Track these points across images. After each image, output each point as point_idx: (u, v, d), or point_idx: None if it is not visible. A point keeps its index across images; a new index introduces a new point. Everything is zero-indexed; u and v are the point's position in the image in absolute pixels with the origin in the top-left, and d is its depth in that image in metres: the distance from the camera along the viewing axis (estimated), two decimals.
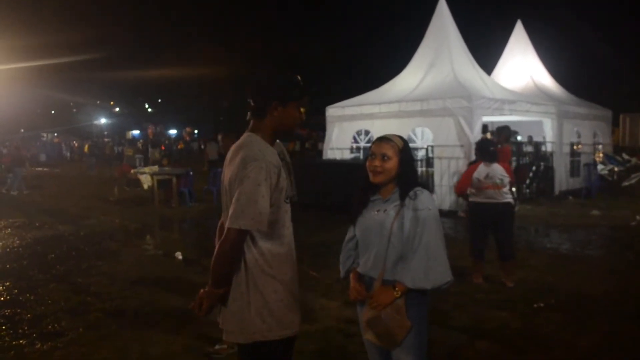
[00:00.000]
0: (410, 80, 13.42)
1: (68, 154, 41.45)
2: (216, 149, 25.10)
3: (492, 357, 4.09)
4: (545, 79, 16.26)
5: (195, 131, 50.09)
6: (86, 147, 36.05)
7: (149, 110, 60.37)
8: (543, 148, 13.70)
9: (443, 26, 13.53)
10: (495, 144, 8.52)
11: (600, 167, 14.49)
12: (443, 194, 11.17)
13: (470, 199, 6.05)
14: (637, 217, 9.99)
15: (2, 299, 5.66)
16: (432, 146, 11.95)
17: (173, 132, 52.31)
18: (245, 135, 2.28)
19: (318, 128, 24.83)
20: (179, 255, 7.43)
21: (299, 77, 2.31)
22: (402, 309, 2.51)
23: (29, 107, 45.93)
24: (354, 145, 14.00)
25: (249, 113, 2.31)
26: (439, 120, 11.56)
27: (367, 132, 13.66)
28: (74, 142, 44.01)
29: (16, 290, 5.93)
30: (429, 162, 11.91)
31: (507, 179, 5.77)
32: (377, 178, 2.63)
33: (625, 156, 14.68)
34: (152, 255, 7.82)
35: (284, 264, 2.24)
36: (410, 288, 2.49)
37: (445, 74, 12.68)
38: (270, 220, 2.14)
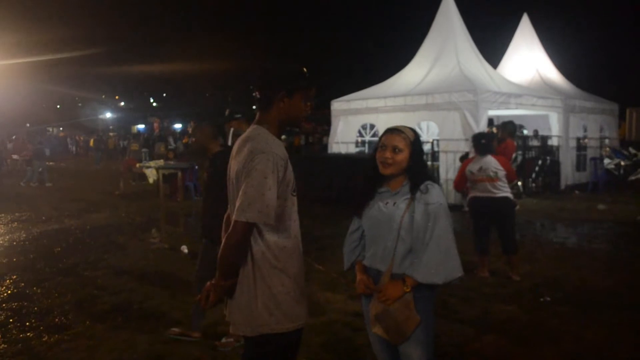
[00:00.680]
0: (416, 73, 13.37)
1: (74, 148, 41.55)
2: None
3: (499, 350, 4.08)
4: (552, 73, 16.16)
5: None
6: (91, 141, 36.13)
7: (154, 104, 60.44)
8: (549, 142, 13.64)
9: (449, 19, 13.47)
10: (499, 139, 8.47)
11: (606, 161, 14.41)
12: (448, 188, 11.12)
13: (469, 194, 6.03)
14: None
15: (9, 292, 5.69)
16: (437, 140, 11.92)
17: (178, 126, 52.36)
18: (252, 128, 2.26)
19: (323, 122, 24.80)
20: (184, 249, 7.45)
21: (304, 68, 2.29)
22: (411, 303, 2.49)
23: (34, 102, 46.06)
24: (359, 139, 13.99)
25: (254, 105, 2.29)
26: (445, 114, 11.52)
27: (372, 126, 13.63)
28: (78, 136, 44.09)
29: (23, 284, 5.96)
30: (434, 156, 11.87)
31: (501, 172, 5.71)
32: (387, 170, 2.60)
33: (632, 150, 14.57)
34: (158, 248, 7.84)
35: (291, 257, 2.23)
36: (421, 283, 2.47)
37: (450, 68, 12.63)
38: (277, 213, 2.13)
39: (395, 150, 2.58)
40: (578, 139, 14.46)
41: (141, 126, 53.44)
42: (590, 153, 14.76)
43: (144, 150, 24.63)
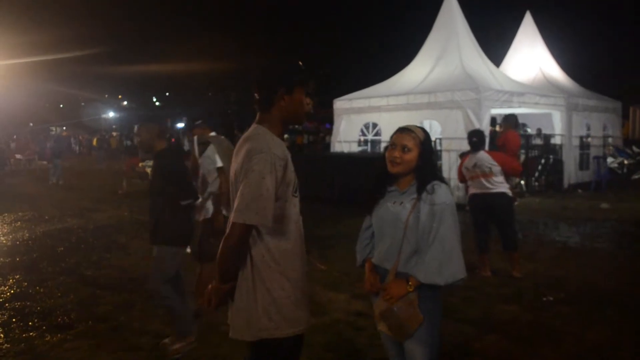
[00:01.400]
0: (418, 72, 13.35)
1: (77, 148, 41.60)
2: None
3: (501, 350, 4.07)
4: (555, 71, 16.11)
5: None
6: (94, 140, 36.18)
7: (157, 103, 60.51)
8: (552, 141, 13.61)
9: (451, 18, 13.44)
10: (499, 132, 8.44)
11: (609, 160, 14.38)
12: (451, 187, 11.11)
13: (469, 191, 6.06)
14: None
15: (12, 291, 5.70)
16: (440, 139, 11.90)
17: (181, 125, 52.42)
18: (253, 127, 2.23)
19: (325, 121, 24.78)
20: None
21: (300, 62, 2.26)
22: (414, 302, 2.50)
23: (37, 102, 46.14)
24: (362, 138, 13.97)
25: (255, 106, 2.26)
26: (447, 113, 11.50)
27: (374, 125, 13.62)
28: (81, 136, 44.16)
29: (26, 283, 5.97)
30: (436, 154, 11.85)
31: (496, 167, 5.71)
32: (396, 169, 2.61)
33: (635, 149, 14.53)
34: None
35: (292, 259, 2.19)
36: (423, 283, 2.48)
37: (453, 66, 12.61)
38: (276, 215, 2.09)
39: (404, 149, 2.59)
40: (581, 138, 14.41)
41: None
42: (593, 152, 14.70)
43: None
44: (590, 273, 6.11)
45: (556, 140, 13.56)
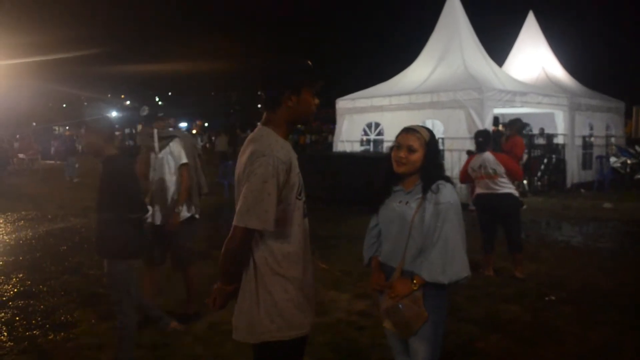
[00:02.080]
0: (421, 72, 13.35)
1: (80, 147, 41.61)
2: (226, 141, 25.42)
3: (504, 349, 4.08)
4: (557, 71, 16.10)
5: (206, 124, 50.16)
6: None
7: (160, 103, 60.61)
8: (555, 140, 13.59)
9: (454, 18, 13.44)
10: (507, 136, 8.47)
11: (612, 159, 14.35)
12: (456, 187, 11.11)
13: (475, 191, 6.07)
14: None
15: (15, 290, 5.72)
16: (442, 138, 11.90)
17: (183, 124, 52.52)
18: (257, 129, 2.21)
19: (328, 121, 24.79)
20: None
21: (309, 63, 2.22)
22: (419, 300, 2.53)
23: (40, 101, 46.22)
24: (364, 138, 13.97)
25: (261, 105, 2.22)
26: (450, 112, 11.50)
27: (377, 125, 13.62)
28: (75, 135, 44.15)
29: (29, 282, 5.99)
30: (441, 154, 11.85)
31: (500, 169, 5.71)
32: (401, 169, 2.64)
33: (638, 148, 14.50)
34: None
35: (296, 263, 2.17)
36: (428, 281, 2.50)
37: (456, 66, 12.60)
38: (279, 218, 2.07)
39: (410, 149, 2.61)
40: (584, 137, 14.40)
41: None
42: (596, 151, 14.69)
43: None
44: (593, 273, 6.10)
45: (559, 140, 13.54)
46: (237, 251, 2.08)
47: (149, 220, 4.50)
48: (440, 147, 11.91)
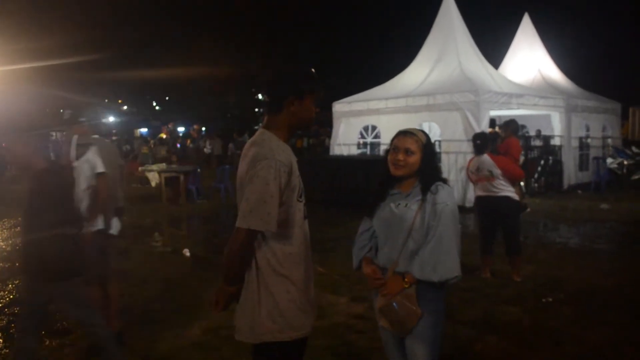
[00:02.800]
0: (417, 74, 13.37)
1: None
2: (220, 145, 25.51)
3: (502, 351, 4.07)
4: (553, 72, 16.13)
5: (203, 128, 50.10)
6: None
7: (157, 108, 60.58)
8: (551, 142, 13.62)
9: (450, 20, 13.46)
10: (502, 137, 8.48)
11: (609, 160, 14.38)
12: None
13: (475, 193, 6.08)
14: None
15: (11, 296, 5.70)
16: (439, 141, 11.91)
17: (181, 129, 52.50)
18: (259, 132, 2.25)
19: (325, 124, 24.76)
20: (187, 252, 7.45)
21: (313, 70, 2.27)
22: (413, 298, 2.53)
23: (38, 107, 46.20)
24: (361, 141, 13.97)
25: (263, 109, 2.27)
26: (446, 115, 11.51)
27: (374, 128, 13.63)
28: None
29: None
30: (437, 156, 11.86)
31: (496, 171, 5.72)
32: (399, 171, 2.64)
33: (635, 149, 14.54)
34: (161, 252, 7.84)
35: (297, 264, 2.20)
36: (419, 279, 2.51)
37: (452, 68, 12.62)
38: (281, 220, 2.11)
39: (407, 152, 2.62)
40: (580, 139, 14.42)
41: (144, 129, 53.54)
42: (592, 152, 14.72)
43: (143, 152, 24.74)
44: (590, 274, 6.10)
45: (555, 142, 13.56)
46: (240, 252, 2.10)
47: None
48: (437, 149, 11.93)
